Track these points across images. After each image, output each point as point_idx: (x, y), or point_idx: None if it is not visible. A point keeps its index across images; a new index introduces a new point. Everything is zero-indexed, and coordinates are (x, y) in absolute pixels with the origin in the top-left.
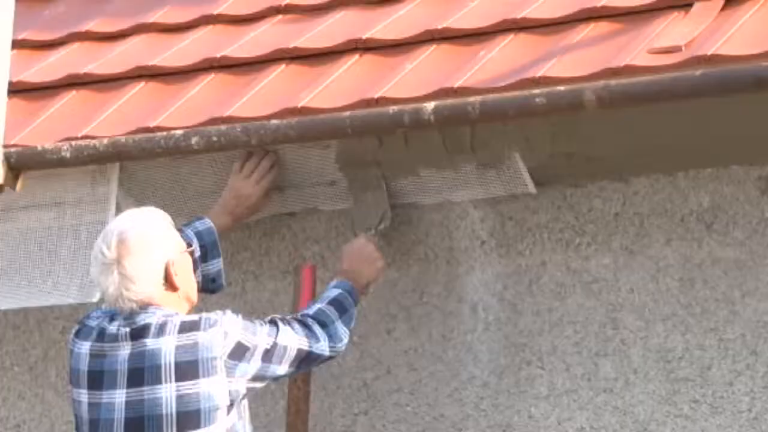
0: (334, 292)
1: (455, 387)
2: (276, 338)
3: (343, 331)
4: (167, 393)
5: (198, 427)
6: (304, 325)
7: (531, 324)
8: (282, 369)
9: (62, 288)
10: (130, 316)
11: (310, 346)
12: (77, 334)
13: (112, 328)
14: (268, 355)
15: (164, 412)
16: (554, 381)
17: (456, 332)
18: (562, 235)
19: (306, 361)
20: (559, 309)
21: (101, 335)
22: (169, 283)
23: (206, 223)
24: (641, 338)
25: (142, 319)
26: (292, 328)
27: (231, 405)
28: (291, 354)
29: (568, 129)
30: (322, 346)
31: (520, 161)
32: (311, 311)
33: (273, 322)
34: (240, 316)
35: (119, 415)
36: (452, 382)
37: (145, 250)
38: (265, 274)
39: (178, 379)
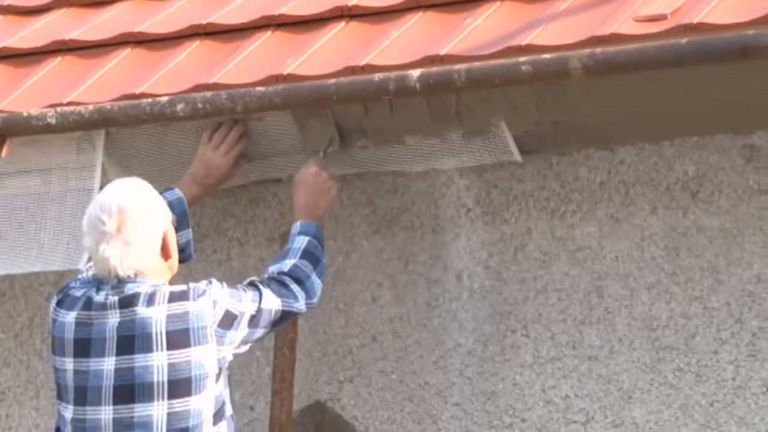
0: (303, 241)
1: (440, 354)
2: (260, 303)
3: (318, 284)
4: (158, 361)
5: (189, 394)
6: (282, 284)
7: (516, 292)
8: (265, 331)
9: (48, 254)
10: (118, 285)
11: (290, 306)
12: (59, 304)
13: (99, 297)
14: (254, 321)
15: (155, 380)
16: (539, 349)
17: (441, 300)
18: (548, 203)
19: (286, 318)
20: (544, 277)
21: (88, 304)
22: (165, 252)
23: (176, 193)
24: (626, 306)
25: (130, 288)
26: (272, 290)
27: (219, 372)
28: (274, 317)
29: (554, 97)
30: (300, 305)
31: (505, 129)
32: (286, 268)
33: (254, 286)
34: (225, 284)
35: (108, 382)
36: (437, 349)
37: (146, 220)
38: (251, 242)
39: (169, 348)
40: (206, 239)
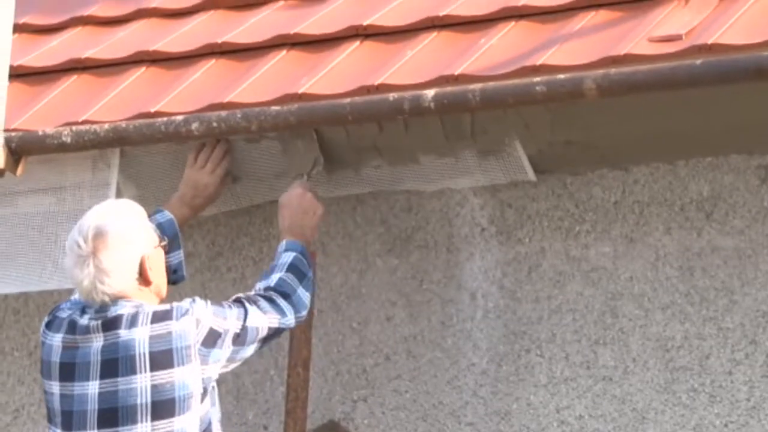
0: (289, 257)
1: (454, 374)
2: (245, 321)
3: (305, 297)
4: (142, 383)
5: (173, 415)
6: (269, 300)
7: (530, 312)
8: (253, 348)
9: (62, 273)
10: (101, 308)
11: (278, 323)
12: (48, 326)
13: (83, 320)
14: (239, 339)
15: (139, 402)
16: (553, 369)
17: (455, 319)
18: (562, 223)
19: (274, 335)
20: (558, 297)
21: (72, 327)
22: (143, 278)
23: (166, 215)
24: (640, 327)
25: (113, 312)
26: (259, 307)
27: (204, 392)
28: (261, 334)
29: (569, 117)
30: (289, 319)
31: (520, 149)
32: (273, 282)
33: (239, 303)
34: (209, 302)
35: (92, 406)
36: (451, 369)
37: (122, 245)
38: (265, 260)
39: (152, 369)
40: (221, 257)
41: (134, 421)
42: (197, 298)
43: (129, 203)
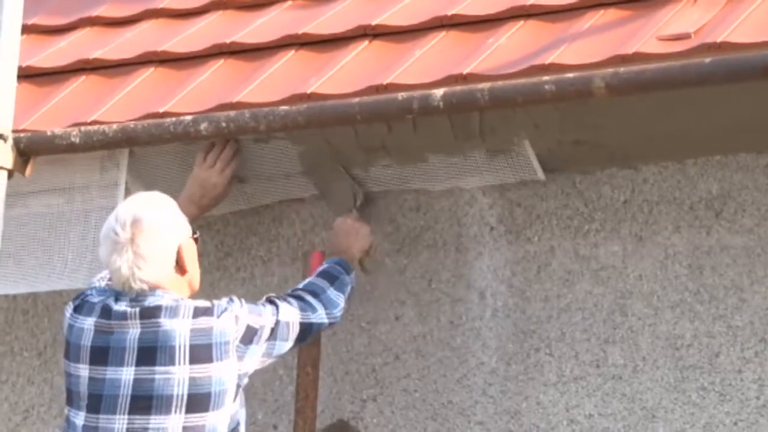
0: (324, 266)
1: (463, 373)
2: (278, 316)
3: (336, 297)
4: (180, 374)
5: (206, 410)
6: (298, 298)
7: (539, 310)
8: (287, 345)
9: (71, 272)
10: (137, 297)
11: (309, 318)
12: (77, 310)
13: (120, 306)
14: (273, 334)
15: (175, 392)
16: (562, 368)
17: (464, 318)
18: (571, 222)
19: (307, 331)
20: (567, 296)
21: (107, 312)
22: (180, 267)
23: None
24: (650, 325)
25: (151, 301)
26: (289, 303)
27: (237, 389)
28: (294, 328)
29: (578, 116)
30: (320, 315)
31: (529, 148)
32: (301, 285)
33: (271, 302)
34: (243, 301)
35: (126, 391)
36: (460, 368)
37: (160, 232)
38: (274, 260)
39: (191, 362)
40: (229, 257)
41: (168, 412)
42: (234, 297)
43: (162, 195)
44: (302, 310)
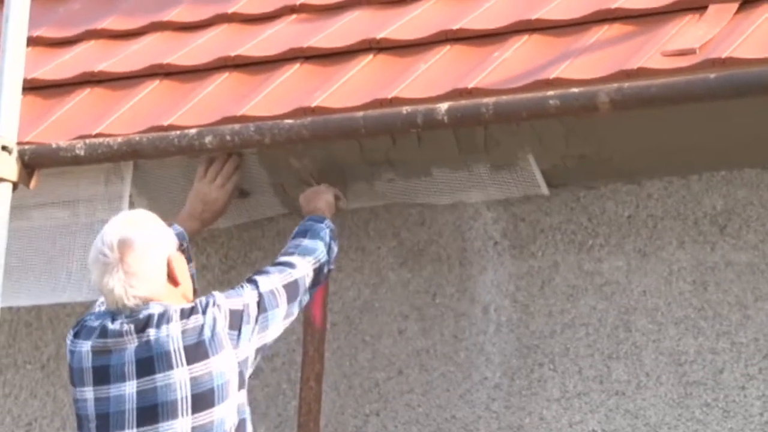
0: (295, 229)
1: (467, 388)
2: (259, 289)
3: (312, 243)
4: (180, 377)
5: (212, 405)
6: (274, 264)
7: (543, 326)
8: (281, 311)
9: (75, 285)
10: (131, 313)
11: (291, 276)
12: (77, 335)
13: (115, 326)
14: (261, 308)
15: (179, 396)
16: (566, 383)
17: (468, 333)
18: (575, 237)
19: (296, 288)
20: (571, 311)
21: (104, 333)
22: (172, 279)
23: (177, 228)
24: (653, 341)
25: (144, 314)
26: (266, 273)
27: (240, 377)
28: (281, 293)
29: (582, 131)
30: (302, 267)
31: (533, 162)
32: (278, 256)
33: (248, 280)
34: (223, 292)
35: (131, 405)
36: (464, 383)
37: (148, 248)
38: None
39: (189, 362)
40: (233, 270)
41: (174, 416)
42: (214, 292)
43: (143, 211)
44: (281, 272)
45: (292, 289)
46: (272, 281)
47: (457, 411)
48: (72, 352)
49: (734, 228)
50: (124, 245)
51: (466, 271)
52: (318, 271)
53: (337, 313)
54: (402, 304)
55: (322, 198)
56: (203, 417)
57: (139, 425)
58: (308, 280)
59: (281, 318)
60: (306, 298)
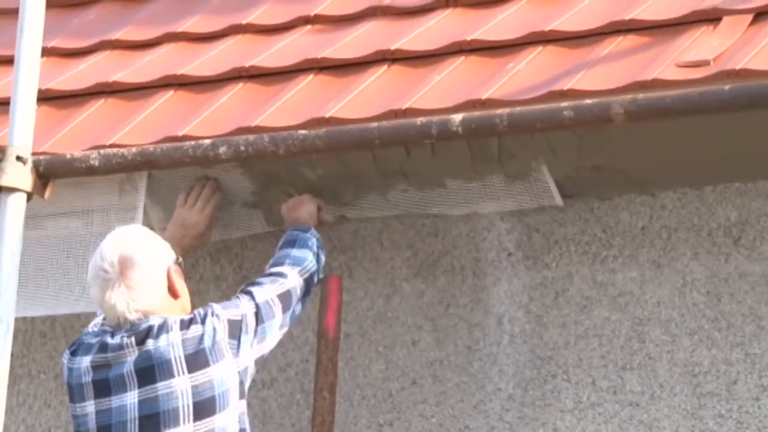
0: (280, 240)
1: (480, 399)
2: (255, 300)
3: (301, 253)
4: (182, 386)
5: (213, 413)
6: (266, 275)
7: (557, 336)
8: (276, 321)
9: (89, 296)
10: (131, 327)
11: (283, 286)
12: (73, 353)
13: (115, 340)
14: (258, 318)
15: (180, 404)
16: (580, 394)
17: (482, 344)
18: (589, 248)
19: (290, 297)
20: (585, 322)
21: (104, 348)
22: (172, 291)
23: None
24: (667, 352)
25: (144, 326)
26: (260, 285)
27: (241, 387)
28: (276, 303)
29: (596, 142)
30: (292, 277)
31: (547, 173)
32: (268, 266)
33: (243, 291)
34: (220, 303)
35: (132, 415)
36: (477, 394)
37: (147, 261)
38: (309, 295)
39: (190, 371)
40: (247, 281)
41: (176, 424)
42: (211, 303)
43: (139, 226)
44: (274, 282)
45: (286, 299)
46: (267, 292)
47: (471, 421)
48: (70, 369)
49: (748, 239)
50: (124, 260)
51: (479, 281)
52: (308, 281)
53: (351, 323)
54: (416, 314)
55: (305, 208)
56: (205, 425)
57: None
58: (300, 290)
59: (277, 328)
60: (298, 308)
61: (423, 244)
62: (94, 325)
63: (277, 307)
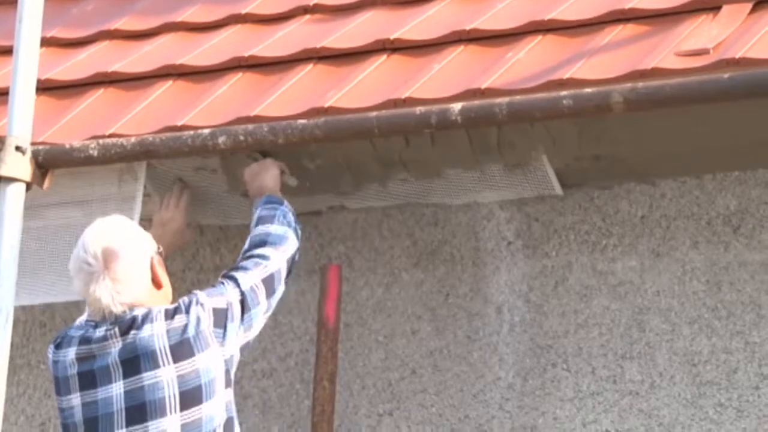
0: (255, 214)
1: (480, 388)
2: (241, 287)
3: (281, 230)
4: (167, 375)
5: (200, 402)
6: (249, 258)
7: (556, 325)
8: (262, 306)
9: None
10: (116, 320)
11: (267, 269)
12: (58, 346)
13: (99, 332)
14: (244, 305)
15: (166, 394)
16: (579, 383)
17: (481, 333)
18: (589, 237)
19: (273, 281)
20: (584, 311)
21: (88, 340)
22: (155, 282)
23: None
24: (667, 341)
25: (128, 317)
26: (244, 270)
27: (227, 375)
28: (260, 288)
29: (595, 131)
30: (276, 258)
31: (546, 162)
32: (246, 245)
33: (227, 277)
34: (204, 291)
35: (119, 406)
36: (477, 383)
37: (130, 253)
38: (292, 273)
39: (175, 361)
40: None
41: (163, 414)
42: (195, 291)
43: (120, 217)
44: (257, 266)
45: (269, 283)
46: (251, 277)
47: (471, 411)
48: (56, 362)
49: (748, 228)
50: (107, 253)
51: (479, 271)
52: (291, 261)
53: (351, 313)
54: (415, 304)
55: (269, 173)
56: (192, 414)
57: (128, 425)
58: (283, 272)
59: (262, 314)
60: (281, 289)
61: (422, 233)
62: (79, 321)
63: (261, 292)
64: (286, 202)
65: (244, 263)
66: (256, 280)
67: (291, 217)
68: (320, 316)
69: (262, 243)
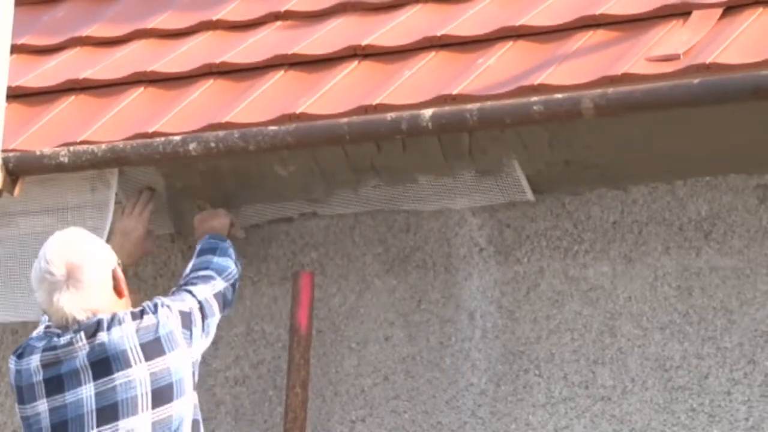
0: (198, 247)
1: (453, 394)
2: (197, 297)
3: (223, 261)
4: (140, 374)
5: (171, 400)
6: (197, 278)
7: (529, 331)
8: (216, 319)
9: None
10: (80, 326)
11: (216, 288)
12: (20, 356)
13: (64, 339)
14: (203, 312)
15: (139, 392)
16: (552, 389)
17: (454, 339)
18: (560, 243)
19: (221, 300)
20: (556, 316)
21: (52, 347)
22: (117, 290)
23: None
24: (639, 346)
25: (93, 321)
26: (195, 284)
27: (193, 377)
28: (213, 302)
29: (567, 137)
30: (220, 283)
31: (518, 168)
32: (189, 270)
33: (182, 290)
34: (167, 297)
35: (89, 407)
36: (450, 389)
37: (92, 262)
38: (264, 281)
39: (147, 359)
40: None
41: (135, 412)
42: (155, 297)
43: (79, 229)
44: (206, 283)
45: (219, 299)
46: (203, 291)
47: (443, 417)
48: (18, 371)
49: (719, 233)
50: (71, 264)
51: (451, 277)
52: (232, 288)
53: (323, 319)
54: (387, 310)
55: (218, 220)
56: (163, 411)
57: (99, 425)
58: (229, 294)
59: (215, 325)
60: (226, 313)
61: (395, 240)
62: (38, 332)
63: (215, 305)
64: (228, 241)
65: (193, 280)
66: (207, 294)
67: (232, 252)
68: (292, 322)
69: (205, 267)
